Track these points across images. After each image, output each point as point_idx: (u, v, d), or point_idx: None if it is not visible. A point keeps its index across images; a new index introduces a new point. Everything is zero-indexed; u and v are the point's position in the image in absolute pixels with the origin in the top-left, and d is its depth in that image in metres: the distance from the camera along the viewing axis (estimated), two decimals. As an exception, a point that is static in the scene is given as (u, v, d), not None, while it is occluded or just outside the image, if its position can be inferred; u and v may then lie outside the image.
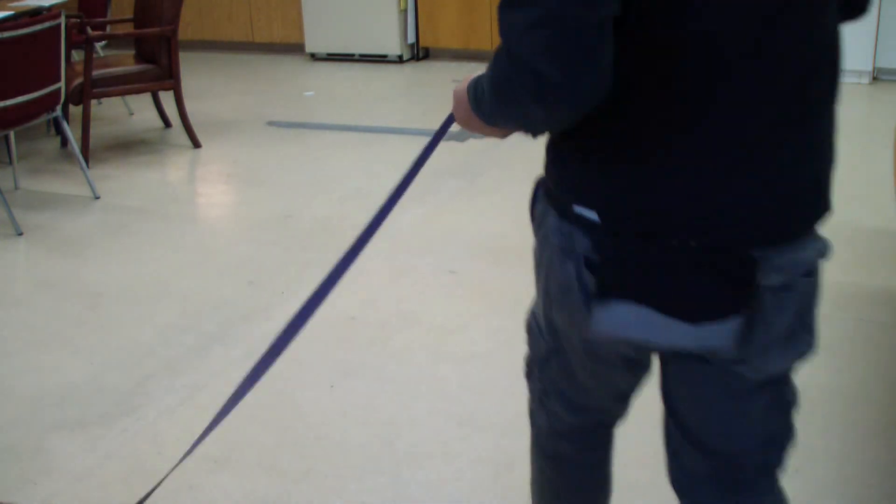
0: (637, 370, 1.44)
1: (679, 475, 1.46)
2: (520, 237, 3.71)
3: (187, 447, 2.41)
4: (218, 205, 4.33)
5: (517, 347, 2.89)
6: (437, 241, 3.70)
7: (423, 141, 5.07)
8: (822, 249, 1.26)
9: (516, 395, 2.62)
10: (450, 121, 1.53)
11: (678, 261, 1.19)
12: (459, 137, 5.09)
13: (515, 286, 3.27)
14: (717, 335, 1.20)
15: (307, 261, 3.56)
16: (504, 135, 1.41)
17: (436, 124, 5.37)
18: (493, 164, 4.63)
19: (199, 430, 2.49)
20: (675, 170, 1.16)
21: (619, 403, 1.54)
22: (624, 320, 1.22)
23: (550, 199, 1.32)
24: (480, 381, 2.69)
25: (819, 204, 1.24)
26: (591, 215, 1.22)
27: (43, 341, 3.02)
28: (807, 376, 2.65)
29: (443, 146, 4.95)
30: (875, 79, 6.07)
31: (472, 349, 2.87)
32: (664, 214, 1.17)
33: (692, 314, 1.20)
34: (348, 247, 1.57)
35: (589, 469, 1.65)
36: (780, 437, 1.40)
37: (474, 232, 3.77)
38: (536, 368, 1.54)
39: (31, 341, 3.02)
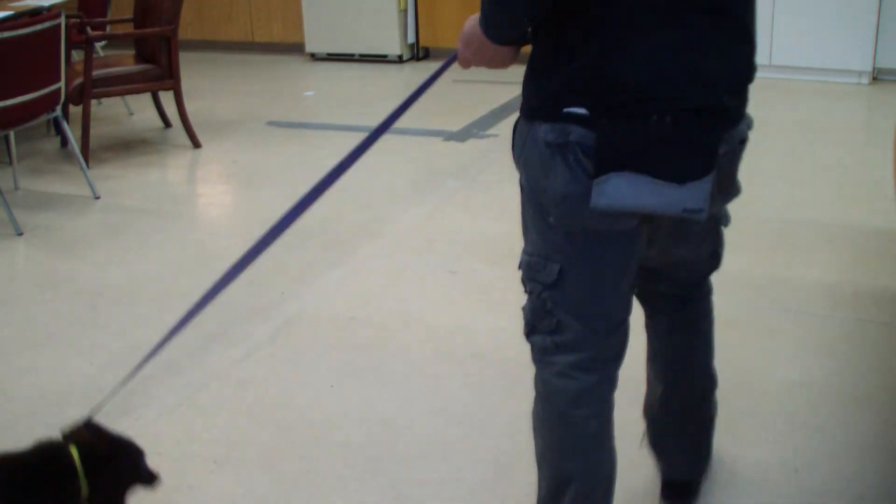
0: (633, 253, 1.66)
1: (645, 295, 1.93)
2: (520, 237, 3.70)
3: (187, 447, 2.41)
4: (218, 205, 4.33)
5: (517, 347, 2.89)
6: (437, 241, 3.70)
7: (424, 141, 5.07)
8: (750, 124, 1.66)
9: (516, 395, 2.62)
10: (451, 60, 1.81)
11: (660, 134, 1.47)
12: (459, 137, 5.09)
13: (515, 286, 3.27)
14: (695, 195, 1.49)
15: (307, 261, 3.56)
16: (507, 59, 1.71)
17: (436, 124, 5.38)
18: (493, 164, 4.63)
19: (200, 431, 2.49)
20: (638, 61, 1.46)
21: (619, 323, 1.72)
22: (621, 192, 1.48)
23: (537, 114, 1.59)
24: (480, 381, 2.69)
25: (748, 93, 1.61)
26: (581, 111, 1.50)
27: (43, 341, 3.02)
28: (807, 376, 2.66)
29: (443, 146, 4.96)
30: (875, 79, 6.07)
31: (472, 349, 2.86)
32: (638, 96, 1.46)
33: (679, 175, 1.47)
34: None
35: (596, 418, 1.73)
36: (718, 250, 1.89)
37: (474, 232, 3.77)
38: (548, 301, 1.70)
39: (31, 341, 3.02)
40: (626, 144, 1.48)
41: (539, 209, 1.66)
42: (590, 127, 1.49)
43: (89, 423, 1.72)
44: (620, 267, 1.66)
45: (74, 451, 1.67)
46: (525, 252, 1.80)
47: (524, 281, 1.80)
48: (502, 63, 1.71)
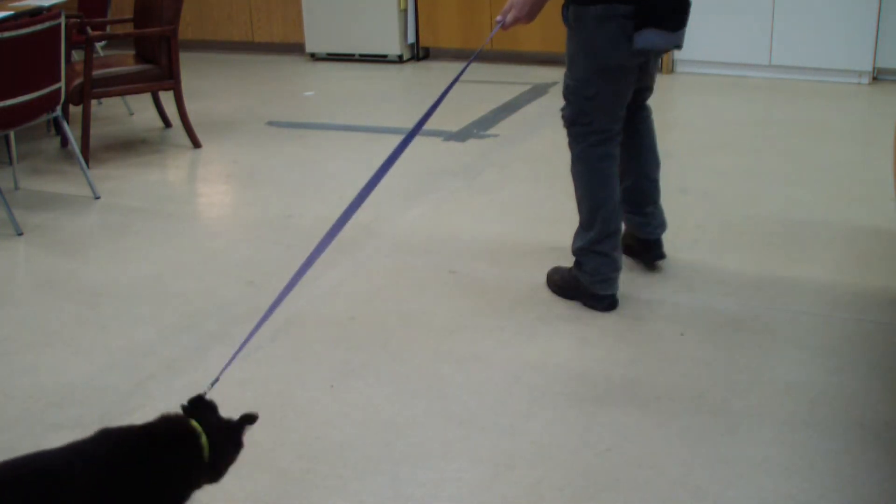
0: (634, 79, 2.95)
1: (629, 108, 3.04)
2: (520, 237, 3.71)
3: (187, 447, 2.41)
4: (218, 205, 4.33)
5: (517, 347, 2.90)
6: (437, 241, 3.70)
7: (424, 141, 5.07)
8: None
9: (516, 395, 2.63)
10: (497, 28, 2.98)
11: (668, 4, 2.75)
12: (459, 137, 5.09)
13: (515, 286, 3.27)
14: (680, 37, 2.84)
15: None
16: (539, 11, 2.85)
17: (436, 124, 5.37)
18: (493, 164, 4.63)
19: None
20: None
21: (622, 118, 2.99)
22: (649, 39, 2.74)
23: (590, 1, 2.74)
24: (480, 381, 2.69)
25: None
26: None
27: (43, 341, 3.02)
28: (807, 376, 2.66)
29: (443, 146, 4.96)
30: (875, 79, 6.07)
31: (472, 349, 2.87)
32: None
33: (676, 27, 2.79)
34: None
35: (613, 165, 3.01)
36: (653, 83, 3.18)
37: (474, 232, 3.77)
38: (586, 106, 2.91)
39: (31, 341, 3.02)
40: (652, 12, 2.70)
41: (590, 53, 2.80)
42: (633, 4, 2.69)
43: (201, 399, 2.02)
44: (627, 87, 2.93)
45: (195, 423, 1.93)
46: (571, 78, 2.92)
47: (567, 95, 2.94)
48: (537, 15, 2.82)
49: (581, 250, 3.07)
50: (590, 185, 2.99)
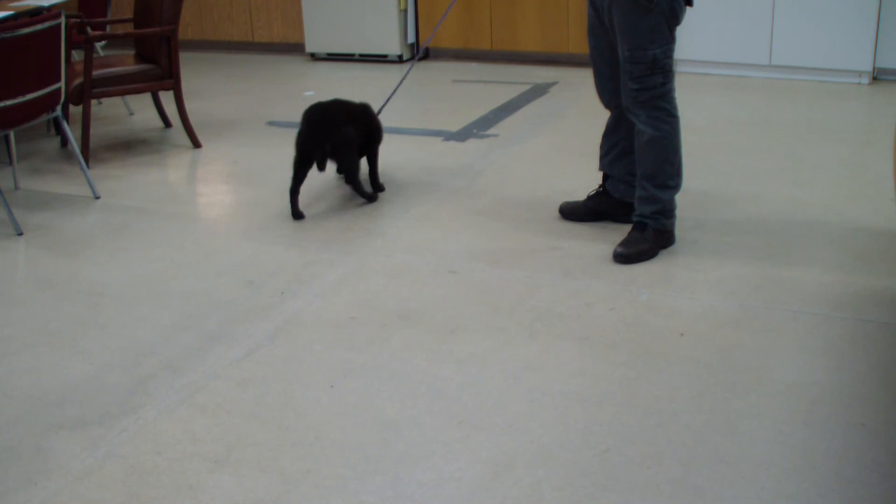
0: None
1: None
2: (520, 237, 3.71)
3: (187, 447, 2.41)
4: (218, 205, 4.33)
5: (517, 347, 2.90)
6: (437, 240, 3.70)
7: (424, 141, 5.08)
8: None
9: (516, 395, 2.63)
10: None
11: None
12: (459, 137, 5.09)
13: (515, 286, 3.27)
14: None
15: (307, 260, 3.56)
16: None
17: (436, 124, 5.37)
18: (492, 164, 4.63)
19: (199, 430, 2.49)
20: None
21: None
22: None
23: None
24: (480, 381, 2.69)
25: None
26: None
27: (43, 341, 3.02)
28: (807, 376, 2.66)
29: (443, 146, 4.96)
30: (875, 79, 6.06)
31: (472, 349, 2.87)
32: None
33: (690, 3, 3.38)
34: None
35: None
36: None
37: (474, 232, 3.77)
38: (670, 60, 3.35)
39: (31, 341, 3.02)
40: None
41: (672, 21, 3.29)
42: None
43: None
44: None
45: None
46: (656, 48, 3.29)
47: (652, 67, 3.30)
48: None
49: (670, 202, 3.48)
50: (678, 135, 3.45)
